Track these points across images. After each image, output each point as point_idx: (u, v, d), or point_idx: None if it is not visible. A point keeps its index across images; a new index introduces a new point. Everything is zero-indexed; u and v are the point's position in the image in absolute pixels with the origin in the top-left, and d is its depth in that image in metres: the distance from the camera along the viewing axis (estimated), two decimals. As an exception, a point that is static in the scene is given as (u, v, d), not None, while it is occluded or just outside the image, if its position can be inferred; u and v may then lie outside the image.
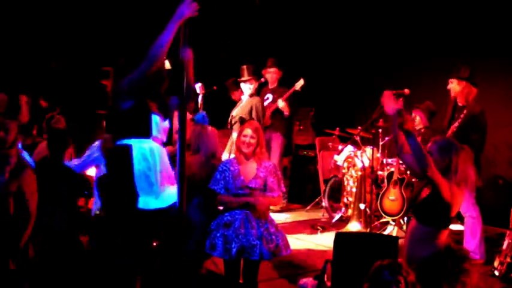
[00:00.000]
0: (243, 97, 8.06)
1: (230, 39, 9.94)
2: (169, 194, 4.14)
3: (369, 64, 9.80)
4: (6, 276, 4.26)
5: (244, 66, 7.95)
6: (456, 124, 6.06)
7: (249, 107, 7.85)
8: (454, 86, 6.19)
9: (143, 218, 4.11)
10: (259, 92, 8.53)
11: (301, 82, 8.21)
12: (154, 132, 4.16)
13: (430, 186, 4.06)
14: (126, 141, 4.11)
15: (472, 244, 5.93)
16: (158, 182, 4.11)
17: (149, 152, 4.10)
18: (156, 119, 4.20)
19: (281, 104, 8.22)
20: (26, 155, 4.74)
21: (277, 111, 8.35)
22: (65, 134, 5.66)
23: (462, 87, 6.13)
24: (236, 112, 7.91)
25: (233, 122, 7.84)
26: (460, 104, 6.21)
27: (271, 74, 8.48)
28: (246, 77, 7.91)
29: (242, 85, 8.00)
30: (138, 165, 4.06)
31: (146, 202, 4.07)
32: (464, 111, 6.07)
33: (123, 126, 4.16)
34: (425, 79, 8.41)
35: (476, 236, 5.99)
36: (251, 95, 7.96)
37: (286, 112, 8.27)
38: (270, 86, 8.57)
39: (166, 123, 4.39)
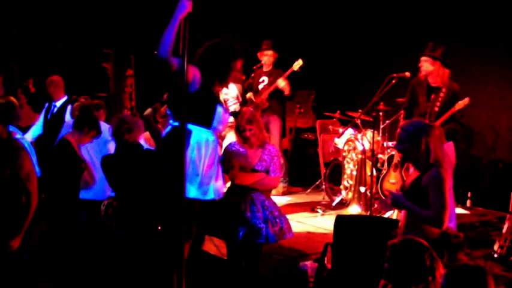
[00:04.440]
0: None
1: (229, 21, 9.87)
2: (212, 188, 4.24)
3: (370, 46, 9.76)
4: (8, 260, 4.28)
5: None
6: (438, 104, 6.02)
7: (236, 91, 7.82)
8: (427, 65, 6.10)
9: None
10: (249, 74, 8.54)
11: (299, 62, 8.02)
12: (215, 123, 4.22)
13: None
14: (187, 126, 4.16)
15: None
16: (203, 173, 4.17)
17: (204, 142, 4.17)
18: (220, 110, 4.25)
19: (282, 83, 8.05)
20: (20, 136, 4.75)
21: (274, 94, 8.25)
22: None
23: (436, 68, 6.06)
24: (233, 93, 7.83)
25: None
26: (433, 85, 6.14)
27: (268, 57, 8.37)
28: None
29: None
30: (191, 152, 4.12)
31: (187, 189, 4.13)
32: (444, 90, 6.03)
33: (187, 110, 4.19)
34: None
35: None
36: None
37: (287, 92, 8.13)
38: (265, 69, 8.45)
39: (229, 117, 4.45)
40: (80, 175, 5.36)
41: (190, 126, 4.16)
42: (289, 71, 8.09)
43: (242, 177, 4.72)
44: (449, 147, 5.93)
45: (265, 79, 8.41)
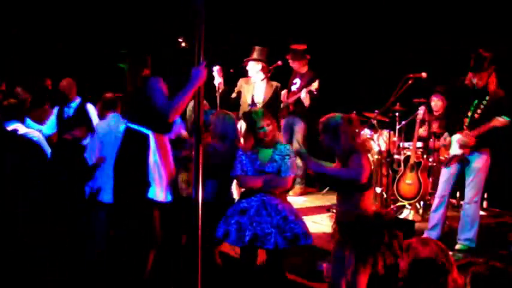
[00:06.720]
0: (252, 79, 7.93)
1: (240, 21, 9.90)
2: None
3: (386, 47, 9.72)
4: None
5: (256, 47, 7.88)
6: (479, 111, 5.64)
7: (272, 92, 7.84)
8: (479, 77, 5.67)
9: (151, 207, 4.23)
10: (290, 75, 8.55)
11: (315, 85, 8.01)
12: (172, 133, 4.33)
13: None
14: (144, 130, 4.22)
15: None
16: (167, 176, 4.24)
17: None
18: (178, 121, 4.34)
19: (303, 94, 8.07)
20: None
21: (300, 100, 8.28)
22: None
23: (487, 76, 5.63)
24: (259, 98, 7.82)
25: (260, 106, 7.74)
26: (478, 90, 5.73)
27: (301, 65, 8.43)
28: (255, 57, 7.84)
29: (250, 65, 7.91)
30: (153, 155, 4.17)
31: (155, 193, 4.20)
32: (487, 97, 5.64)
33: (148, 116, 4.25)
34: (443, 61, 8.33)
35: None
36: (265, 78, 7.90)
37: (306, 104, 8.12)
38: (301, 71, 8.47)
39: (178, 121, 4.54)
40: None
41: (147, 131, 4.23)
42: (307, 89, 8.08)
43: (250, 182, 4.73)
44: (484, 156, 5.74)
45: (297, 81, 8.45)
